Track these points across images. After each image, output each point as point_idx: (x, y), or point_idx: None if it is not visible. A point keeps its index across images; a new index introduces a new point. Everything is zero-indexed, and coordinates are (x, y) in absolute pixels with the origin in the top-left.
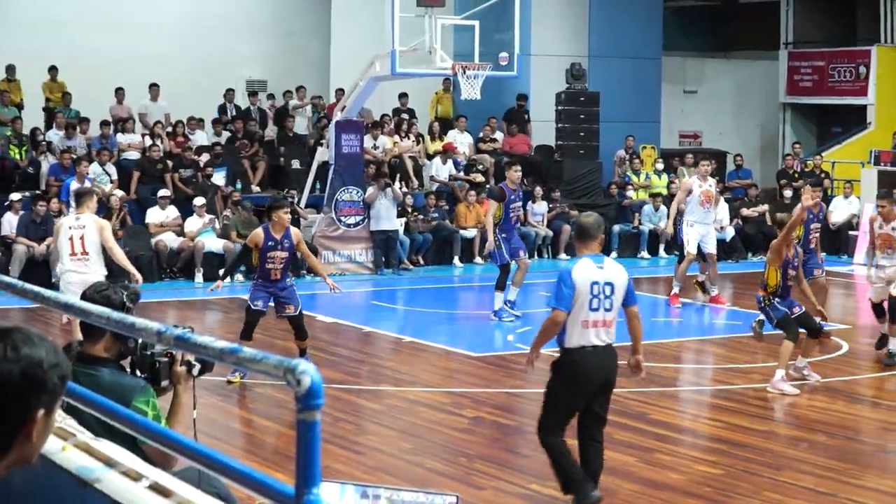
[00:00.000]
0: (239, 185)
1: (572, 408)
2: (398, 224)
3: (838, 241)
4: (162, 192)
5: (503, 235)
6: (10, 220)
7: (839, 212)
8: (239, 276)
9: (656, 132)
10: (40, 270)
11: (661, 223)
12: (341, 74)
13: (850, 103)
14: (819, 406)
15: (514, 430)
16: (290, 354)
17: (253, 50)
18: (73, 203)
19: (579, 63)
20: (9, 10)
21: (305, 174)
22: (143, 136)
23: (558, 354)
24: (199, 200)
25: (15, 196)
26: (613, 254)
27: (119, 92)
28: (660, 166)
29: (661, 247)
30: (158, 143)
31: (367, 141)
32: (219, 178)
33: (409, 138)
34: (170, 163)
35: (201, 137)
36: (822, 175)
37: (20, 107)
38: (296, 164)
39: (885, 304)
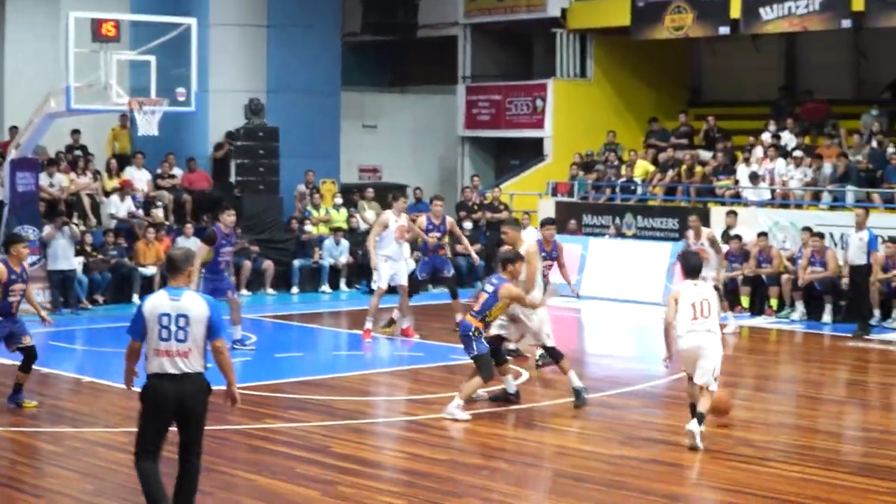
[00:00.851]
0: None
1: (154, 432)
2: (76, 263)
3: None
4: None
5: (210, 277)
6: None
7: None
8: None
9: (336, 167)
10: None
11: (342, 258)
12: (15, 111)
13: (527, 136)
14: (499, 433)
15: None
16: None
17: None
18: None
19: (258, 98)
20: None
21: None
22: None
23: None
24: None
25: None
26: (295, 288)
27: None
28: (339, 200)
29: (343, 281)
30: None
31: (43, 178)
32: None
33: (86, 175)
34: None
35: None
36: (502, 207)
37: None
38: None
39: None
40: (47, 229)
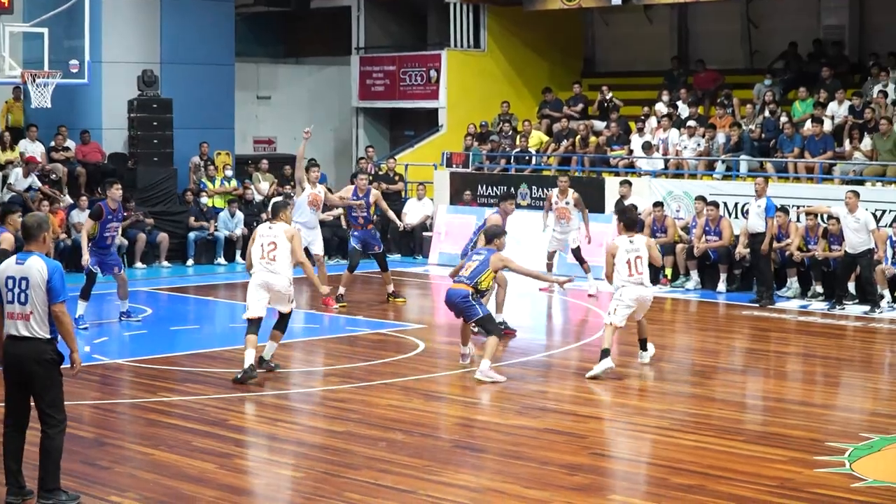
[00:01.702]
0: None
1: (9, 396)
2: None
3: (412, 241)
4: None
5: (96, 251)
6: None
7: (413, 213)
8: None
9: (230, 138)
10: None
11: (237, 230)
12: None
13: (421, 107)
14: (396, 405)
15: (93, 441)
16: None
17: None
18: None
19: (151, 70)
20: None
21: None
22: None
23: None
24: None
25: None
26: (190, 261)
27: None
28: (228, 172)
29: (238, 253)
30: None
31: None
32: None
33: None
34: None
35: None
36: (397, 178)
37: None
38: None
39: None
40: None
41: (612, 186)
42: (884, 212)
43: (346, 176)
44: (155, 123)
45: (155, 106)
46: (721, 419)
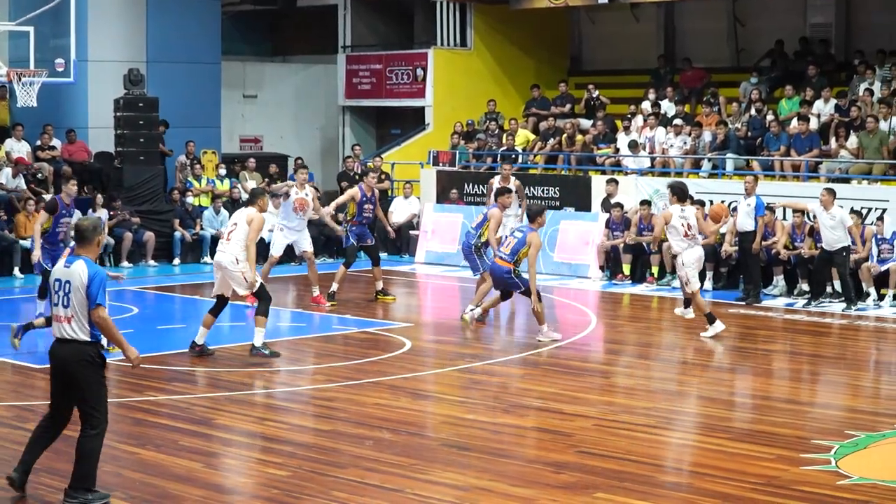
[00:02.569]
0: None
1: (52, 394)
2: None
3: (399, 239)
4: None
5: (47, 246)
6: None
7: (400, 212)
8: None
9: (217, 137)
10: None
11: (223, 228)
12: None
13: (408, 105)
14: (383, 403)
15: None
16: None
17: None
18: None
19: (137, 69)
20: None
21: None
22: None
23: None
24: None
25: None
26: (176, 260)
27: None
28: (222, 171)
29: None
30: None
31: None
32: None
33: None
34: None
35: None
36: (384, 176)
37: None
38: None
39: None
40: None
41: (598, 185)
42: (870, 209)
43: (332, 174)
44: (141, 122)
45: (141, 105)
46: (708, 417)
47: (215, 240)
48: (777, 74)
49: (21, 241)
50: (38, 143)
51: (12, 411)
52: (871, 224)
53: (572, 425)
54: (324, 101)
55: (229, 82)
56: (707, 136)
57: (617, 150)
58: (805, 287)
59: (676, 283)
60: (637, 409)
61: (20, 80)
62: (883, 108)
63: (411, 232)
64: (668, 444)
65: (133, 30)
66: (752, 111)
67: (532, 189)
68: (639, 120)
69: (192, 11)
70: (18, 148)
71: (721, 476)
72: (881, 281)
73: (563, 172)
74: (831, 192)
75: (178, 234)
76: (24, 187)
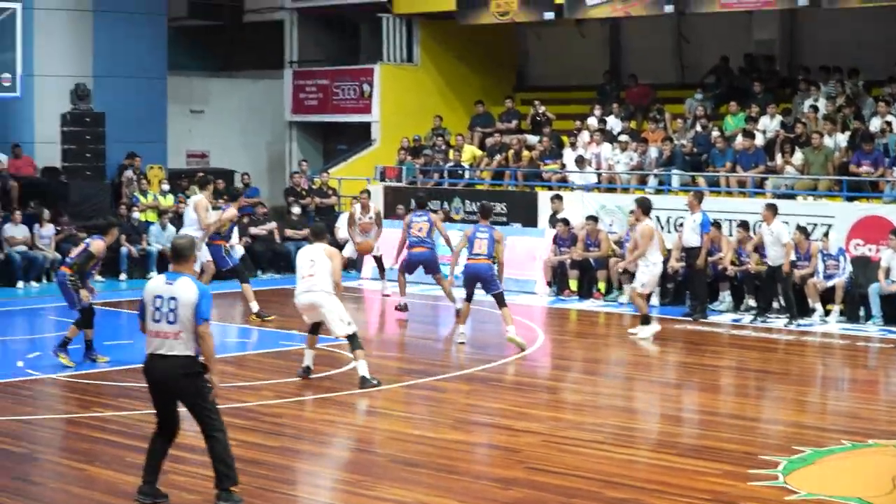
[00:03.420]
0: None
1: (156, 408)
2: None
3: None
4: None
5: None
6: None
7: (346, 228)
8: None
9: (163, 152)
10: None
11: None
12: None
13: (354, 121)
14: (330, 419)
15: (25, 457)
16: None
17: None
18: None
19: (84, 83)
20: None
21: None
22: None
23: None
24: None
25: None
26: (123, 275)
27: None
28: (167, 186)
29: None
30: None
31: None
32: None
33: None
34: None
35: None
36: (330, 192)
37: None
38: None
39: None
40: None
41: (545, 200)
42: (815, 225)
43: (279, 189)
44: (88, 137)
45: (88, 119)
46: (655, 433)
47: (163, 255)
48: (722, 91)
49: None
50: None
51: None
52: (817, 240)
53: (520, 441)
54: (271, 115)
55: (176, 97)
56: (653, 152)
57: (563, 165)
58: (752, 303)
59: (623, 299)
60: (585, 424)
61: None
62: (827, 124)
63: None
64: (616, 460)
65: (79, 44)
66: (698, 127)
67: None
68: (585, 136)
69: (138, 26)
70: None
71: (669, 492)
72: (827, 297)
73: (509, 188)
74: (771, 208)
75: (124, 249)
76: None
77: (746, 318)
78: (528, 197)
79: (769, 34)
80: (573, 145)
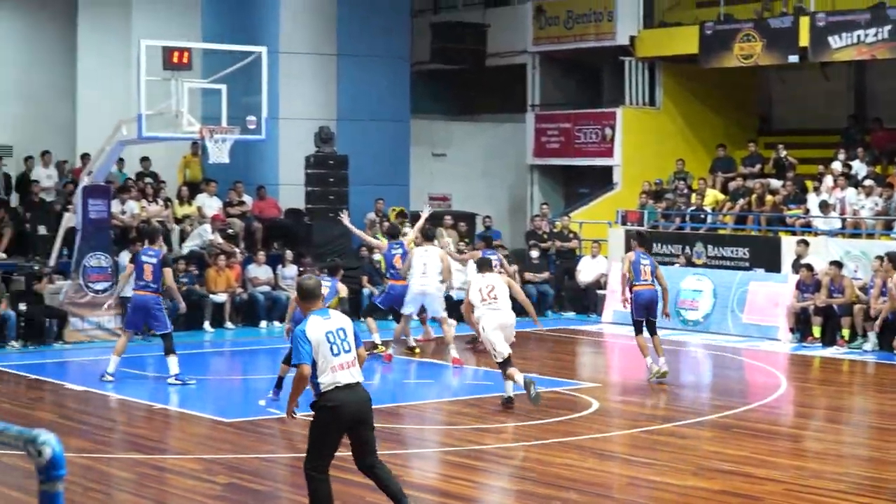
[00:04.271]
0: None
1: (331, 447)
2: None
3: (587, 300)
4: None
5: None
6: None
7: (587, 271)
8: None
9: (406, 195)
10: None
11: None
12: (87, 139)
13: (596, 164)
14: (569, 463)
15: (268, 495)
16: (38, 424)
17: None
18: None
19: (328, 126)
20: None
21: (52, 239)
22: None
23: (316, 398)
24: None
25: None
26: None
27: None
28: (408, 230)
29: None
30: None
31: (115, 205)
32: None
33: (156, 202)
34: None
35: None
36: (571, 235)
37: None
38: (42, 229)
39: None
40: (127, 254)
41: (788, 245)
42: None
43: (520, 232)
44: (331, 179)
45: (331, 162)
46: None
47: None
48: None
49: (211, 296)
50: (227, 199)
51: (202, 464)
52: None
53: (761, 489)
54: (513, 159)
55: (418, 140)
56: None
57: (807, 210)
58: None
59: (867, 347)
60: (827, 473)
61: (212, 136)
62: None
63: (598, 291)
64: None
65: (323, 88)
66: None
67: (721, 250)
68: (829, 180)
69: (381, 70)
70: (210, 203)
71: None
72: None
73: (752, 233)
74: None
75: (366, 290)
76: (220, 241)
77: None
78: (772, 242)
79: None
80: (817, 190)
